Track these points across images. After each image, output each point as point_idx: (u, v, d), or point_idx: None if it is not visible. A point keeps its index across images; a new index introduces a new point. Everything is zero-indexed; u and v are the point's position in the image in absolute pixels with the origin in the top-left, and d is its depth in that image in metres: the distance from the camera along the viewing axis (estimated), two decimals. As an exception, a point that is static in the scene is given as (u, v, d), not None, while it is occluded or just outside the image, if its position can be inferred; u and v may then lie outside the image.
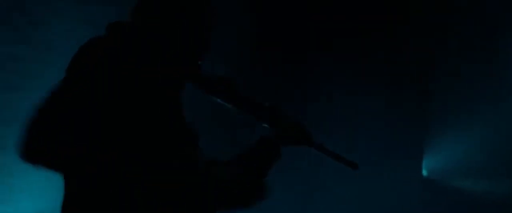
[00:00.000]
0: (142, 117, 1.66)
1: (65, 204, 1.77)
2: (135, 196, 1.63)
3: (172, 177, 1.68)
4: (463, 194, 6.46)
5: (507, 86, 6.07)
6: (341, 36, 6.14)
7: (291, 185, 5.96)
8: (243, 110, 2.02)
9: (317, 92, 6.29)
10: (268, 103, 2.11)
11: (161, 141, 1.68)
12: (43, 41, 4.53)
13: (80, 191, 1.71)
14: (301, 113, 5.95)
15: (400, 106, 6.51)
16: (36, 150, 1.65)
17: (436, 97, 6.63)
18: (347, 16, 6.08)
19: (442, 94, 6.61)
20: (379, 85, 6.41)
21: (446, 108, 6.58)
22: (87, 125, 1.58)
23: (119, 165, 1.62)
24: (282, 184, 5.97)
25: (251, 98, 2.06)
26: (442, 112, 6.64)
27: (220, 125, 4.86)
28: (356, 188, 6.29)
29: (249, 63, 5.39)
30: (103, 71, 1.61)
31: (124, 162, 1.63)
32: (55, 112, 1.62)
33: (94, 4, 4.71)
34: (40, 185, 4.46)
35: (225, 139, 5.10)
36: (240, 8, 5.23)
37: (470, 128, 6.37)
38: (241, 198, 1.94)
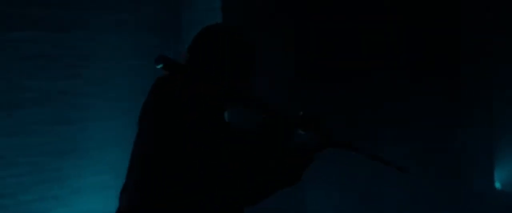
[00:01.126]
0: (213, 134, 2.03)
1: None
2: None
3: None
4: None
5: None
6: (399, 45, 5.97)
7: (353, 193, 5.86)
8: (279, 119, 2.20)
9: (381, 111, 6.13)
10: (302, 110, 2.23)
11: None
12: (92, 76, 4.67)
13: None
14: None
15: (469, 119, 6.25)
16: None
17: (505, 107, 6.32)
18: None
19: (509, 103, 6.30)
20: (447, 96, 6.18)
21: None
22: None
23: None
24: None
25: (283, 107, 2.22)
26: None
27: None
28: (425, 201, 6.09)
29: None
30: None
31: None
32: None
33: (143, 37, 4.82)
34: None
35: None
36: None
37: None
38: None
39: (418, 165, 6.14)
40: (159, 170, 2.02)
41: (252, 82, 2.20)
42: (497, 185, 6.49)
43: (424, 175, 6.23)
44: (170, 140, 1.99)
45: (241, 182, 2.05)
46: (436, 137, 6.22)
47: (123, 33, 4.73)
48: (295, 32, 5.35)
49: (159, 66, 2.09)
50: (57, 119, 4.62)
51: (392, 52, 5.99)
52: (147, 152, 2.06)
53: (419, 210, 6.12)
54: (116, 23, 4.70)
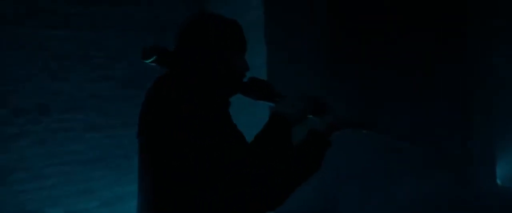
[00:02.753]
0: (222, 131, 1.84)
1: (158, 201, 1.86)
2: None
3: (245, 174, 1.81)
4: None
5: None
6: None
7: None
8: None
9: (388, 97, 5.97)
10: (309, 94, 2.09)
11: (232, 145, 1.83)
12: (120, 77, 4.21)
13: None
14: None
15: (468, 115, 6.18)
16: None
17: (504, 104, 6.30)
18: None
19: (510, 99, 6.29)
20: (449, 94, 6.09)
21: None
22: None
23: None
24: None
25: (291, 94, 2.08)
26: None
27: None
28: (430, 200, 5.97)
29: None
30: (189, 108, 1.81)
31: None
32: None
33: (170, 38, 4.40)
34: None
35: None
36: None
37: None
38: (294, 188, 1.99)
39: (422, 164, 6.08)
40: (172, 192, 1.82)
41: (246, 62, 2.05)
42: (498, 181, 6.43)
43: (428, 175, 6.12)
44: (178, 159, 1.79)
45: (263, 182, 1.86)
46: (439, 137, 6.12)
47: (156, 31, 4.29)
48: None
49: (149, 61, 1.93)
50: (82, 124, 4.13)
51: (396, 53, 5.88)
52: (155, 175, 1.84)
53: (425, 209, 5.98)
54: (144, 21, 4.27)
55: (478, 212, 5.93)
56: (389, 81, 5.81)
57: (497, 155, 6.36)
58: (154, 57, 1.94)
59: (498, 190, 6.29)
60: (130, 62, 4.17)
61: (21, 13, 3.74)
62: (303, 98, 2.03)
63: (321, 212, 5.49)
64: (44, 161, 3.93)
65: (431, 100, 6.04)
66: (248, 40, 2.05)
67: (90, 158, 4.15)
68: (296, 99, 2.01)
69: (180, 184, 1.79)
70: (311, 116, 2.08)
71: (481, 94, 6.20)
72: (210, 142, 1.77)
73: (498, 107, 6.30)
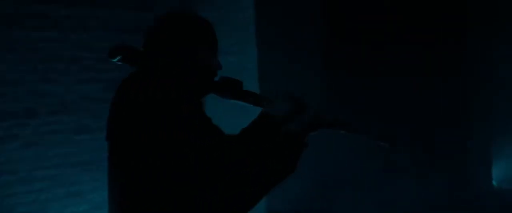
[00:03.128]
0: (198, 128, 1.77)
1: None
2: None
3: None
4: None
5: None
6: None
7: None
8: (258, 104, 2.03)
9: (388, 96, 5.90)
10: (290, 94, 2.03)
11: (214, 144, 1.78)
12: (112, 79, 4.13)
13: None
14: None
15: (468, 116, 6.10)
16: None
17: (501, 105, 6.23)
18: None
19: (506, 101, 6.21)
20: (449, 93, 6.01)
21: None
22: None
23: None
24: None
25: (266, 94, 2.08)
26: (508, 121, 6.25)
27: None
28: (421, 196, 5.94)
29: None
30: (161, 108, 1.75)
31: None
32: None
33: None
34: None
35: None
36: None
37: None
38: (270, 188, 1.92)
39: (420, 165, 6.02)
40: (145, 198, 1.75)
41: (218, 61, 2.00)
42: (494, 183, 6.38)
43: (427, 175, 6.08)
44: (152, 164, 1.72)
45: (238, 183, 1.81)
46: (439, 137, 6.06)
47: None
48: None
49: (115, 59, 1.87)
50: (73, 126, 4.07)
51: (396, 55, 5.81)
52: (128, 181, 1.77)
53: (424, 209, 5.94)
54: (136, 23, 4.18)
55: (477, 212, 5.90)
56: (388, 81, 5.74)
57: (495, 156, 6.30)
58: (120, 57, 1.87)
59: (495, 191, 6.25)
60: (121, 64, 4.07)
61: (11, 15, 3.67)
62: (286, 98, 1.97)
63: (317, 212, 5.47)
64: (32, 164, 3.86)
65: (431, 100, 5.97)
66: (217, 39, 1.98)
67: (80, 161, 4.09)
68: (280, 100, 1.97)
69: (176, 184, 1.73)
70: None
71: (481, 94, 6.14)
72: (210, 142, 1.73)
73: (498, 107, 6.24)
